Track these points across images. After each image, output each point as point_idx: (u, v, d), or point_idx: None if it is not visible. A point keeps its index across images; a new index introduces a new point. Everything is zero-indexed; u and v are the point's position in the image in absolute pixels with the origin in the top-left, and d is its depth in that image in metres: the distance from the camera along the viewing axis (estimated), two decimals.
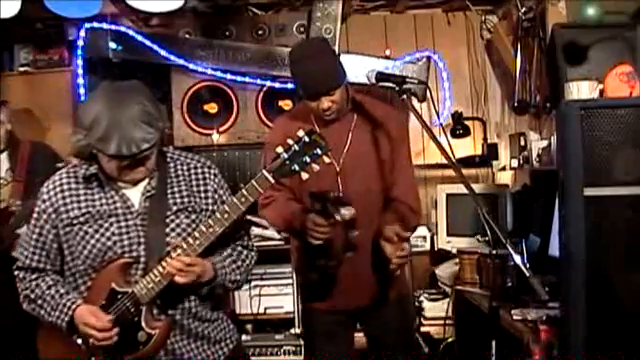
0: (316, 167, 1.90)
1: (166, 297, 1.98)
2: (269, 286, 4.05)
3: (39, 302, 2.01)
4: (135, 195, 2.02)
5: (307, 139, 1.89)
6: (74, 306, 1.95)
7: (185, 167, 2.10)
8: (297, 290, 3.96)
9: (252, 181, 1.93)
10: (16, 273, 2.07)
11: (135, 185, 2.02)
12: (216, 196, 2.10)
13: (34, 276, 2.05)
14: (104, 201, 2.00)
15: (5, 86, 4.26)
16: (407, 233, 2.36)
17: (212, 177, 2.11)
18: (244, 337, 3.96)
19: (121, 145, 1.84)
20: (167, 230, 2.00)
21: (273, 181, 1.91)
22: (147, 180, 2.03)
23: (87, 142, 1.89)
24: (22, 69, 4.37)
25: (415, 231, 2.63)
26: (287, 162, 1.90)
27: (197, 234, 1.93)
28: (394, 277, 2.55)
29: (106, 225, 1.98)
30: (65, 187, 2.02)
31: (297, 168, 1.90)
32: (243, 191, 1.93)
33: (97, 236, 1.97)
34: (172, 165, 2.09)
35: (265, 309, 4.03)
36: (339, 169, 2.50)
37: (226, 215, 1.93)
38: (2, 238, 3.06)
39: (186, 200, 2.05)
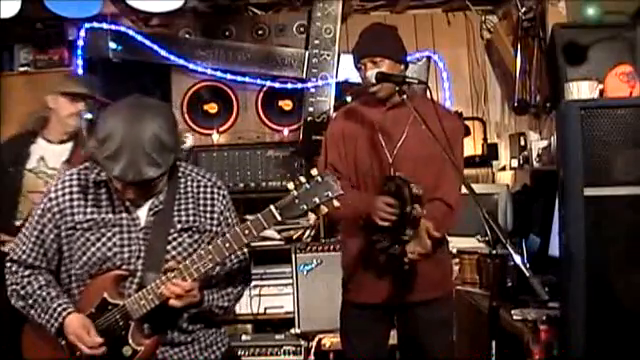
0: (324, 209, 1.87)
1: (157, 316, 1.95)
2: (269, 286, 4.05)
3: (29, 302, 2.00)
4: (142, 208, 2.01)
5: (319, 179, 1.85)
6: (65, 313, 1.94)
7: (195, 184, 2.08)
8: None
9: (258, 215, 1.89)
10: (8, 265, 2.05)
11: (143, 203, 2.00)
12: (222, 218, 2.08)
13: (27, 272, 2.03)
14: (110, 209, 1.99)
15: (5, 86, 4.26)
16: (437, 233, 2.36)
17: (220, 198, 2.09)
18: (244, 337, 3.97)
19: (126, 170, 1.82)
20: (168, 248, 1.99)
21: (280, 218, 1.88)
22: (156, 195, 2.01)
23: (97, 155, 1.88)
24: (22, 69, 4.36)
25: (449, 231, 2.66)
26: (296, 200, 1.85)
27: (196, 258, 1.90)
28: (434, 275, 2.58)
29: (109, 235, 1.97)
30: (75, 189, 2.00)
31: (305, 208, 1.86)
32: (248, 223, 1.90)
33: (98, 244, 1.96)
34: (182, 181, 2.07)
35: (265, 309, 4.03)
36: (391, 161, 2.54)
37: (228, 245, 1.90)
38: None
39: (191, 219, 2.03)
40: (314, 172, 1.86)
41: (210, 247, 1.91)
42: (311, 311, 3.87)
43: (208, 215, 2.06)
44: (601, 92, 2.60)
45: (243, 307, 3.98)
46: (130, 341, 1.94)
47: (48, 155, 3.26)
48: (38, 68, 4.34)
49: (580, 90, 2.63)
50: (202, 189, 2.08)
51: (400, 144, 2.55)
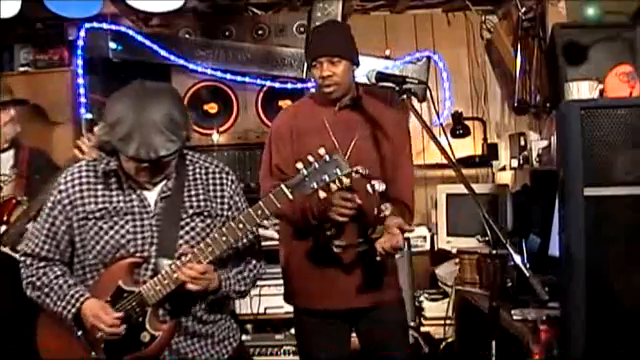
0: (334, 187, 1.87)
1: (173, 301, 1.97)
2: (269, 286, 4.04)
3: (45, 290, 2.00)
4: (152, 195, 2.02)
5: (328, 158, 1.87)
6: (82, 298, 1.95)
7: (203, 171, 2.10)
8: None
9: (270, 194, 1.91)
10: (22, 259, 2.07)
11: (154, 185, 2.02)
12: (231, 202, 2.10)
13: (42, 264, 2.04)
14: (121, 198, 2.00)
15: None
16: (409, 227, 2.35)
17: (229, 183, 2.11)
18: (244, 337, 3.96)
19: (140, 149, 1.84)
20: (181, 233, 2.00)
21: (291, 197, 1.89)
22: (164, 181, 2.03)
23: (109, 139, 1.89)
24: (22, 69, 4.36)
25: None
26: (306, 179, 1.87)
27: (209, 241, 1.92)
28: (389, 279, 2.57)
29: (121, 223, 1.98)
30: (84, 180, 2.02)
31: (315, 186, 1.87)
32: (260, 203, 1.92)
33: (111, 233, 1.97)
34: (191, 168, 2.09)
35: (265, 309, 4.03)
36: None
37: (241, 225, 1.92)
38: (8, 230, 3.04)
39: (202, 204, 2.05)
40: (322, 151, 1.87)
41: (224, 229, 1.93)
42: None
43: (218, 200, 2.08)
44: (601, 92, 2.60)
45: (243, 307, 3.98)
46: (147, 327, 1.95)
47: None
48: (38, 68, 4.34)
49: (580, 90, 2.63)
50: (211, 175, 2.10)
51: (353, 144, 2.51)
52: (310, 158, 1.87)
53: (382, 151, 2.53)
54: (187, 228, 2.02)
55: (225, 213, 2.08)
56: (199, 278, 1.91)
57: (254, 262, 2.15)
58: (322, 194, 1.88)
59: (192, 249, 1.93)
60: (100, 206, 1.99)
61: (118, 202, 2.00)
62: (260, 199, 1.96)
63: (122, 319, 1.93)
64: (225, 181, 2.11)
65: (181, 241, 1.99)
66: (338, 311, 2.53)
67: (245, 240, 2.11)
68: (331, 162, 1.87)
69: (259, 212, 1.92)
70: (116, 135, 1.85)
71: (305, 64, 4.33)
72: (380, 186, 2.30)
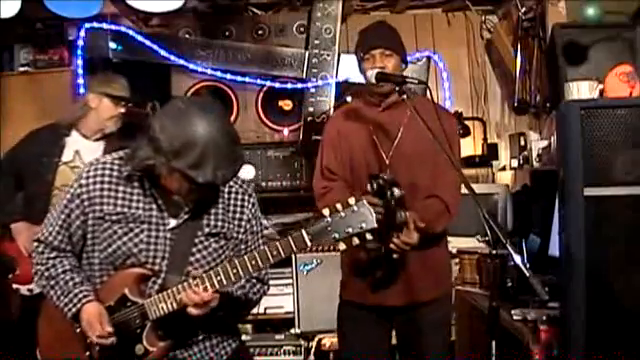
0: (356, 240, 1.81)
1: (174, 320, 1.94)
2: (269, 286, 4.04)
3: (52, 283, 1.99)
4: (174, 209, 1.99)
5: (356, 208, 1.79)
6: (85, 300, 1.94)
7: (227, 189, 2.06)
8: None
9: (289, 237, 1.86)
10: (35, 245, 2.05)
11: (191, 203, 1.97)
12: (248, 226, 2.08)
13: (53, 254, 2.02)
14: (141, 205, 1.96)
15: (5, 86, 4.27)
16: (422, 224, 2.35)
17: (250, 206, 2.09)
18: (244, 337, 3.96)
19: (209, 174, 1.78)
20: (193, 250, 1.99)
21: (310, 244, 1.84)
22: None
23: (168, 165, 1.80)
24: (22, 69, 4.37)
25: (444, 228, 2.63)
26: (329, 228, 1.80)
27: (220, 270, 1.88)
28: (437, 276, 2.59)
29: (136, 230, 1.95)
30: (106, 179, 1.97)
31: (337, 237, 1.80)
32: (277, 244, 1.87)
33: (125, 239, 1.95)
34: None
35: (265, 309, 4.02)
36: (388, 162, 2.53)
37: (254, 262, 1.88)
38: None
39: (220, 225, 2.03)
40: (351, 201, 1.81)
41: (237, 261, 1.88)
42: (311, 311, 3.86)
43: (236, 222, 2.06)
44: (601, 92, 2.60)
45: None
46: (144, 341, 1.94)
47: (83, 150, 3.26)
48: (38, 68, 4.35)
49: (580, 90, 2.63)
50: (233, 195, 2.07)
51: (396, 144, 2.54)
52: (338, 206, 1.80)
53: (424, 150, 2.52)
54: (200, 247, 1.99)
55: (240, 236, 2.07)
56: (202, 305, 1.88)
57: (258, 286, 2.15)
58: (342, 246, 1.82)
59: (202, 273, 1.89)
60: (118, 209, 1.95)
61: (137, 209, 1.96)
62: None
63: (115, 328, 1.92)
64: (246, 203, 2.08)
65: (192, 258, 1.98)
66: (377, 307, 2.58)
67: (256, 285, 2.13)
68: (358, 213, 1.79)
69: (274, 252, 1.87)
70: (185, 162, 1.77)
71: (305, 64, 4.34)
72: (400, 192, 2.29)
